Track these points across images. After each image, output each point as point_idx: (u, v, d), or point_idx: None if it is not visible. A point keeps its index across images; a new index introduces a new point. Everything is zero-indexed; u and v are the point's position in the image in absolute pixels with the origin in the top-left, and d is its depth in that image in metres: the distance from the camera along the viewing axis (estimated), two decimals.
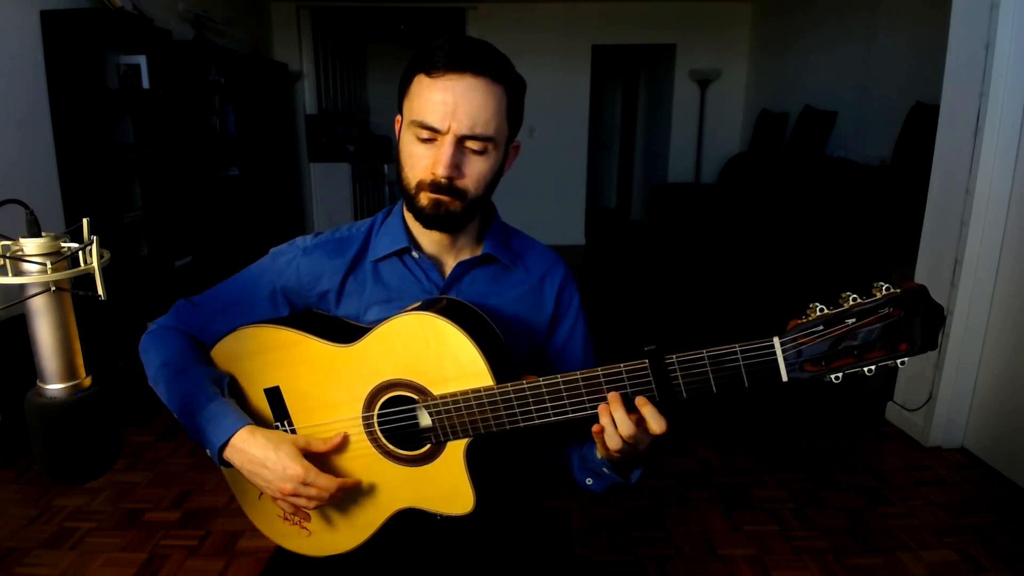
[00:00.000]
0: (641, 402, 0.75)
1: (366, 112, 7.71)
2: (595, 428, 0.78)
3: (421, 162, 0.83)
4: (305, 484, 0.84)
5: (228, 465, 0.87)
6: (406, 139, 0.84)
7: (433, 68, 0.80)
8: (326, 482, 0.85)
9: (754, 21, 6.00)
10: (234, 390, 0.93)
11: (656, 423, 0.75)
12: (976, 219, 2.17)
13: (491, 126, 0.82)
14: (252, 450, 0.85)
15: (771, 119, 5.34)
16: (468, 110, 0.80)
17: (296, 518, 0.96)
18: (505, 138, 0.86)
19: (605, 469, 0.90)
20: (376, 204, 6.58)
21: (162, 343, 0.94)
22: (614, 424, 0.76)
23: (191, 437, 0.89)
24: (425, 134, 0.81)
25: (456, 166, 0.82)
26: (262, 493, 0.98)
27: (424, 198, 0.84)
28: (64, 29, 2.72)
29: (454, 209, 0.85)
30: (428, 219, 0.86)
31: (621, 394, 0.76)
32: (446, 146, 0.81)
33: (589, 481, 0.95)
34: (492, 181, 0.87)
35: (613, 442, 0.76)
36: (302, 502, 0.86)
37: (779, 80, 5.51)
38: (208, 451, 0.87)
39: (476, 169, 0.84)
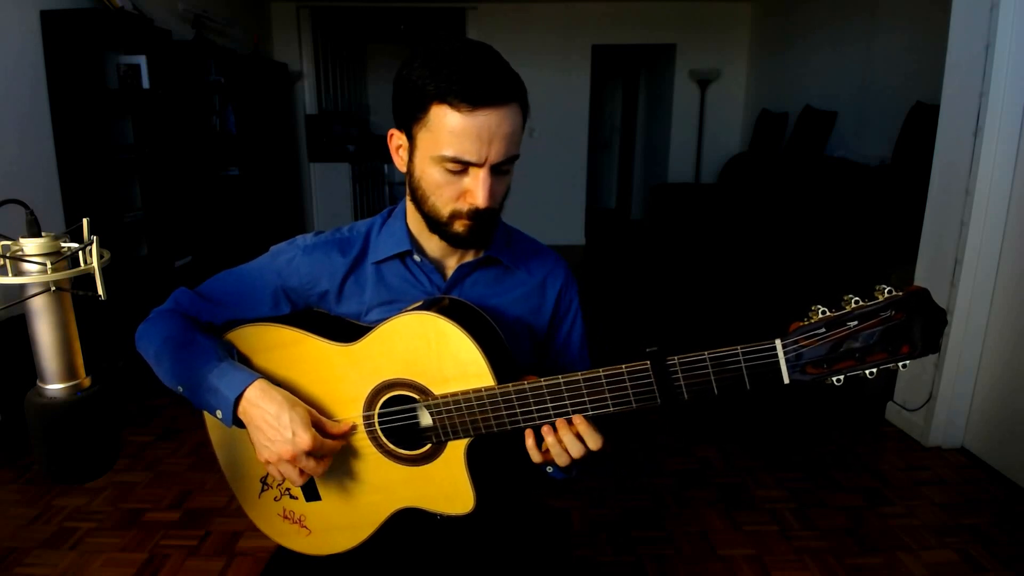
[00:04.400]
0: (578, 420, 0.78)
1: (366, 112, 7.71)
2: (530, 443, 0.82)
3: (452, 193, 0.82)
4: (307, 455, 0.82)
5: (241, 425, 0.86)
6: (431, 170, 0.82)
7: (459, 101, 0.76)
8: (330, 448, 0.85)
9: (754, 21, 6.00)
10: None
11: (592, 440, 0.79)
12: (976, 219, 2.17)
13: (518, 145, 0.83)
14: (266, 405, 0.83)
15: (771, 119, 5.34)
16: (502, 140, 0.79)
17: (296, 516, 0.96)
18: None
19: (549, 468, 0.89)
20: (376, 204, 6.58)
21: (163, 324, 0.92)
22: (562, 445, 0.80)
23: (198, 404, 0.87)
24: (456, 167, 0.80)
25: (493, 194, 0.83)
26: (262, 491, 0.98)
27: (460, 226, 0.84)
28: (64, 29, 2.72)
29: (487, 227, 0.86)
30: (463, 242, 0.86)
31: (618, 399, 0.78)
32: (484, 177, 0.80)
33: (550, 469, 0.94)
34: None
35: (562, 460, 0.81)
36: (293, 474, 0.84)
37: (779, 80, 5.51)
38: (220, 413, 0.85)
39: (503, 186, 0.86)
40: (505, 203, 0.89)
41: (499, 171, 0.82)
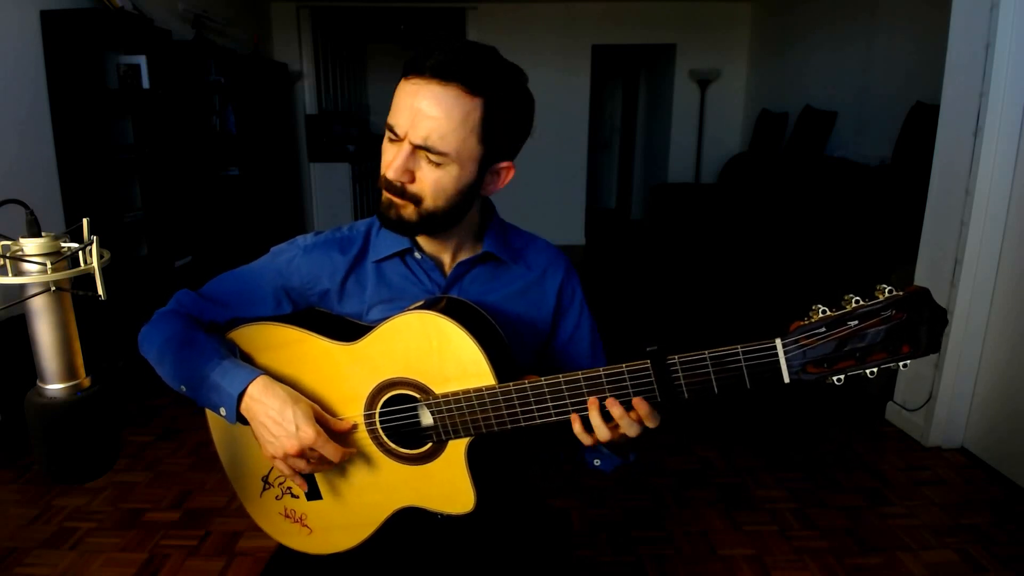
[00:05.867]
0: (638, 402, 0.76)
1: (366, 112, 7.70)
2: (577, 427, 0.80)
3: (385, 160, 0.84)
4: (312, 449, 0.83)
5: (244, 421, 0.86)
6: (385, 136, 0.85)
7: (410, 70, 0.79)
8: (332, 451, 0.84)
9: (754, 21, 6.00)
10: None
11: (651, 421, 0.78)
12: (976, 219, 2.17)
13: (448, 141, 0.78)
14: (269, 400, 0.84)
15: (771, 119, 5.34)
16: (426, 120, 0.77)
17: (297, 515, 0.96)
18: (473, 156, 0.81)
19: (604, 449, 0.92)
20: (376, 204, 6.58)
21: (165, 324, 0.92)
22: (590, 426, 0.79)
23: (201, 403, 0.88)
24: (391, 136, 0.82)
25: (406, 170, 0.81)
26: (263, 490, 0.98)
27: (383, 195, 0.85)
28: (64, 29, 2.72)
29: (407, 215, 0.84)
30: (382, 218, 0.87)
31: (619, 398, 0.77)
32: (400, 151, 0.80)
33: (597, 462, 0.96)
34: (458, 195, 0.83)
35: (633, 431, 0.78)
36: (300, 464, 0.85)
37: (779, 80, 5.51)
38: (223, 410, 0.85)
39: (431, 178, 0.81)
40: (462, 208, 0.86)
41: (429, 159, 0.80)
